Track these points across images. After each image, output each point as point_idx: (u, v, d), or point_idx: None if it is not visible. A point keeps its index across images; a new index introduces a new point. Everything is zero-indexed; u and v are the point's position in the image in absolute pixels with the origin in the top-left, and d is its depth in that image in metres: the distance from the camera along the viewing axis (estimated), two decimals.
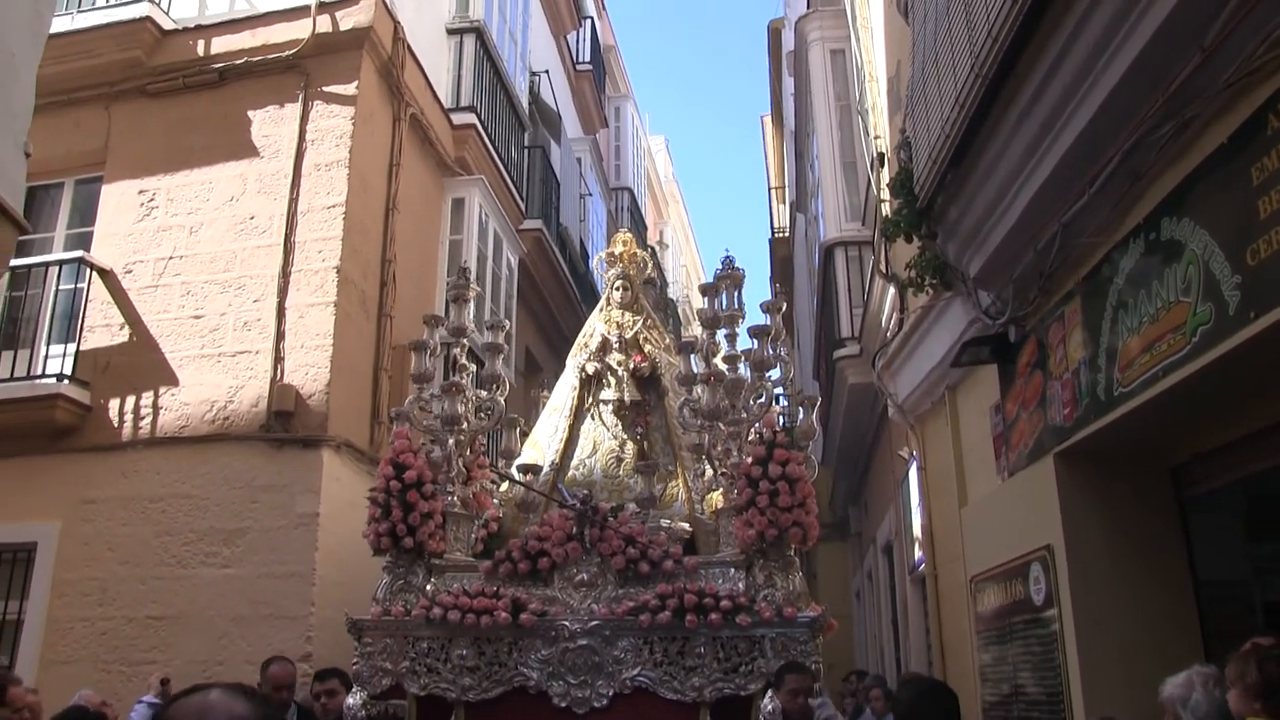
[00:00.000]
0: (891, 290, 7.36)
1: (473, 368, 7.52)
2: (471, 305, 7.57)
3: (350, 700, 5.70)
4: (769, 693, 5.37)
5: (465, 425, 6.99)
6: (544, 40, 16.98)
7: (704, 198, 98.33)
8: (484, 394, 7.26)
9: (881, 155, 7.02)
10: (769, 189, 27.12)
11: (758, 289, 50.85)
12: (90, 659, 7.84)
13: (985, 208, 4.93)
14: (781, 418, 6.83)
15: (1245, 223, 3.33)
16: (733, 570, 6.10)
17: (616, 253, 8.25)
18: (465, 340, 7.40)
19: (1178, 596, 4.67)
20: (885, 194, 6.40)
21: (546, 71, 16.09)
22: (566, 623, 5.96)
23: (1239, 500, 4.75)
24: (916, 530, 8.12)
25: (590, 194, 17.98)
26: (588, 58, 20.01)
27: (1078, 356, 4.65)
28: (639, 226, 22.37)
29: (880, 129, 8.16)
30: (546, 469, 7.37)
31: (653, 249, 24.43)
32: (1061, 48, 3.91)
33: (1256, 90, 3.32)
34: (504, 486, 7.52)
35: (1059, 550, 4.80)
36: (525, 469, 6.94)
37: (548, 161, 15.15)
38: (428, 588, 6.36)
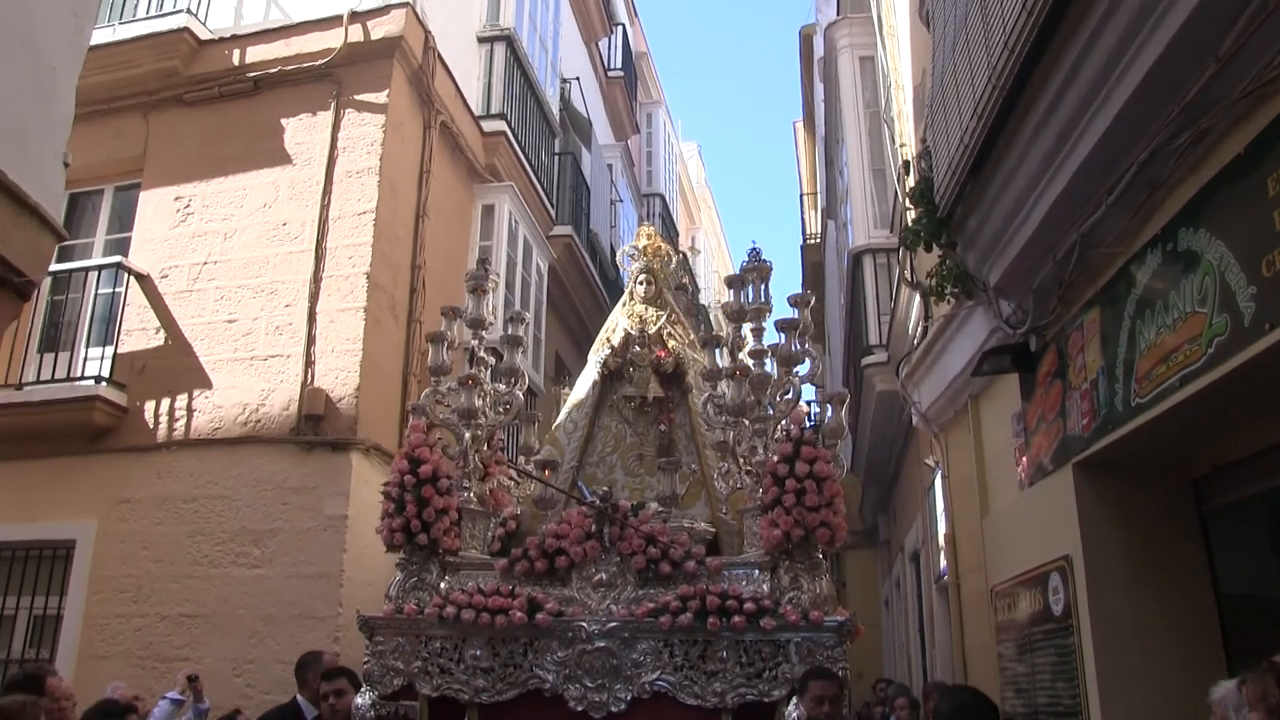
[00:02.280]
0: (917, 298, 7.37)
1: (492, 361, 7.36)
2: (490, 296, 7.43)
3: (359, 700, 5.53)
4: (793, 700, 5.14)
5: (483, 419, 6.86)
6: (575, 47, 17.09)
7: (737, 204, 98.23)
8: (502, 388, 7.11)
9: (907, 163, 7.02)
10: (801, 195, 27.11)
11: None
12: (125, 654, 8.03)
13: (1004, 217, 4.95)
14: (810, 415, 6.69)
15: (1261, 234, 3.34)
16: (757, 572, 5.93)
17: (640, 247, 8.09)
18: (484, 333, 7.25)
19: (1199, 609, 4.66)
20: (908, 202, 6.42)
21: (577, 78, 16.19)
22: (584, 624, 5.81)
23: (1264, 513, 4.71)
24: (941, 539, 8.11)
25: (621, 200, 18.06)
26: (619, 64, 20.11)
27: (1096, 366, 4.66)
28: (670, 232, 22.43)
29: (906, 137, 8.18)
30: (566, 466, 7.23)
31: (684, 255, 24.50)
32: (1076, 58, 3.93)
33: (1272, 101, 3.33)
34: (522, 483, 7.40)
35: (1077, 560, 4.80)
36: (543, 465, 6.75)
37: (578, 168, 15.24)
38: (442, 585, 6.22)
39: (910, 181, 6.12)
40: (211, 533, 8.25)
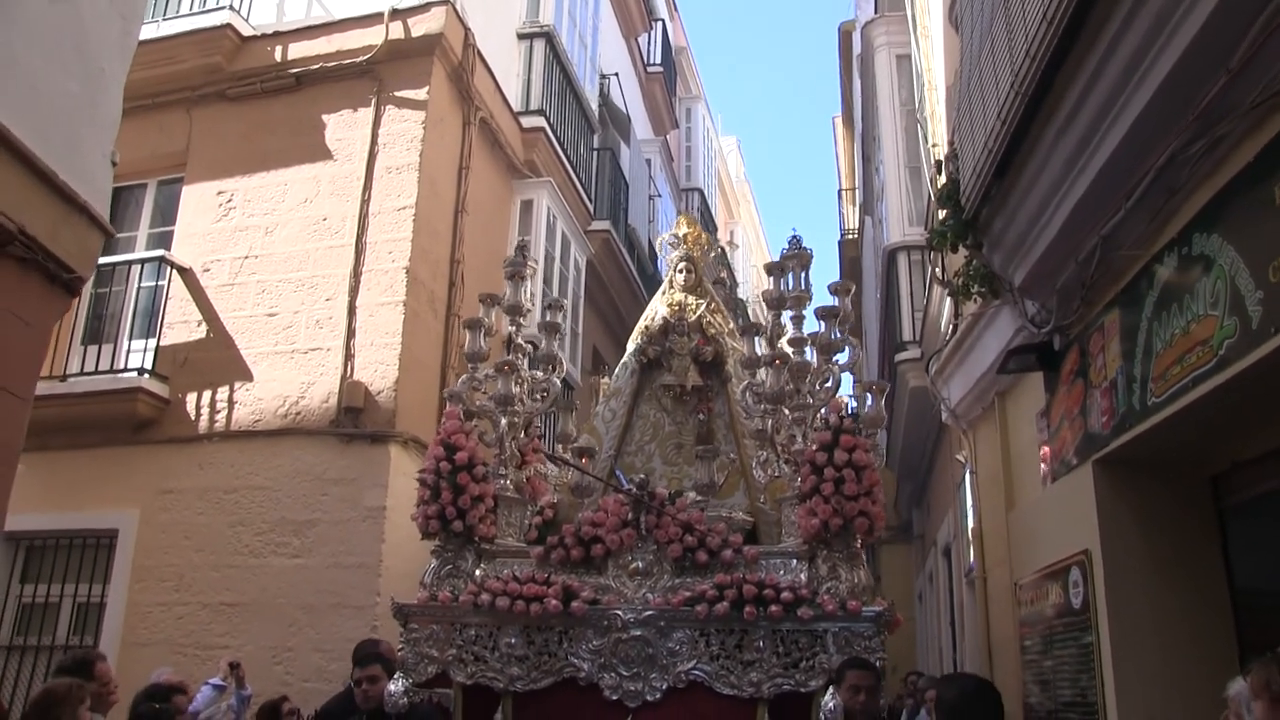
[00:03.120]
0: (948, 296, 7.43)
1: (530, 349, 7.33)
2: (528, 284, 7.38)
3: (392, 687, 5.44)
4: (830, 689, 5.07)
5: (520, 407, 6.82)
6: (615, 42, 17.20)
7: (775, 198, 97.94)
8: (540, 375, 7.08)
9: (939, 163, 7.08)
10: (839, 190, 27.09)
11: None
12: (167, 642, 8.23)
13: (1028, 219, 5.01)
14: (850, 403, 6.52)
15: (1268, 240, 3.40)
16: (795, 561, 5.88)
17: (680, 235, 7.99)
18: (521, 320, 7.25)
19: (1214, 604, 4.71)
20: (936, 203, 6.49)
21: (616, 74, 16.29)
22: (620, 612, 5.75)
23: None
24: (969, 533, 8.17)
25: (659, 195, 18.15)
26: (659, 60, 20.20)
27: (1116, 366, 4.72)
28: (709, 227, 22.46)
29: (938, 137, 8.23)
30: (604, 454, 7.14)
31: (723, 249, 24.59)
32: (1095, 67, 3.99)
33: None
34: (558, 471, 7.32)
35: (1096, 555, 4.87)
36: (581, 452, 6.65)
37: (617, 163, 15.35)
38: (477, 573, 6.18)
39: (940, 182, 6.17)
40: (252, 523, 8.45)
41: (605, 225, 13.95)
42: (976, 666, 7.67)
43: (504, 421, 6.67)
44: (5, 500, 4.40)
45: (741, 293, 26.36)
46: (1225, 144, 3.73)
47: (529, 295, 7.44)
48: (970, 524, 7.87)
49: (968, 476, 7.90)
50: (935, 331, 8.83)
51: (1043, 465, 5.89)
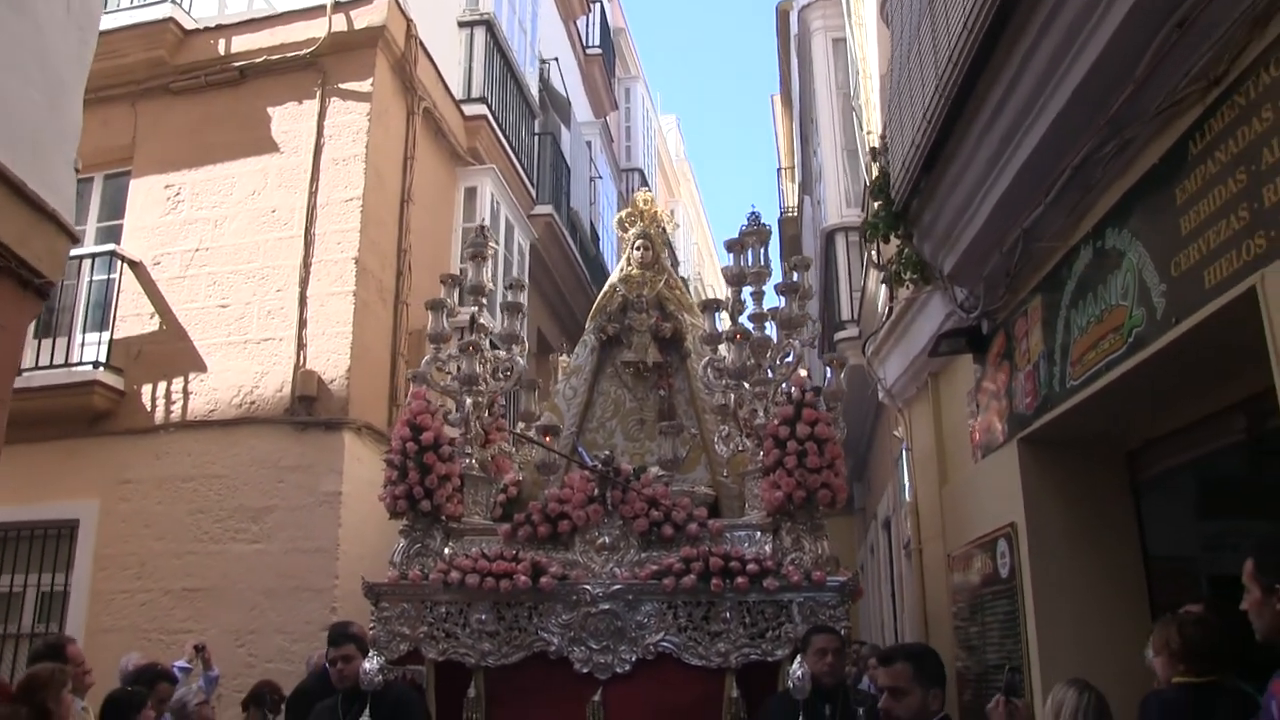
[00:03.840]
0: (882, 283, 7.74)
1: (491, 327, 7.33)
2: (489, 264, 7.33)
3: (367, 665, 5.41)
4: (797, 658, 5.05)
5: (484, 386, 6.86)
6: (554, 26, 17.34)
7: (716, 176, 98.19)
8: (502, 354, 7.12)
9: (873, 150, 7.37)
10: (778, 169, 27.38)
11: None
12: (131, 628, 8.39)
13: (955, 212, 5.32)
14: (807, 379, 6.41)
15: (1171, 237, 3.72)
16: (759, 534, 5.94)
17: (637, 211, 7.92)
18: (483, 299, 7.28)
19: (1129, 571, 5.08)
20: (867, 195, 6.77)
21: (556, 59, 16.45)
22: (588, 587, 5.82)
23: (1191, 482, 5.14)
24: (906, 508, 8.53)
25: (600, 177, 18.34)
26: (597, 42, 20.35)
27: (1038, 350, 5.05)
28: None
29: (873, 124, 8.52)
30: (566, 432, 7.17)
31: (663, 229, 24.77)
32: (1014, 74, 4.28)
33: (1182, 118, 3.70)
34: (523, 449, 7.37)
35: (1020, 528, 5.21)
36: (544, 430, 6.66)
37: (558, 147, 15.51)
38: (445, 551, 6.22)
39: (875, 170, 6.47)
40: (211, 510, 8.62)
41: (548, 209, 14.11)
42: (915, 634, 8.03)
43: (469, 401, 6.72)
44: None
45: (683, 271, 26.65)
46: (1134, 146, 4.04)
47: (488, 276, 7.55)
48: (907, 498, 8.21)
49: (904, 453, 8.24)
50: (873, 312, 9.15)
51: (972, 443, 6.23)
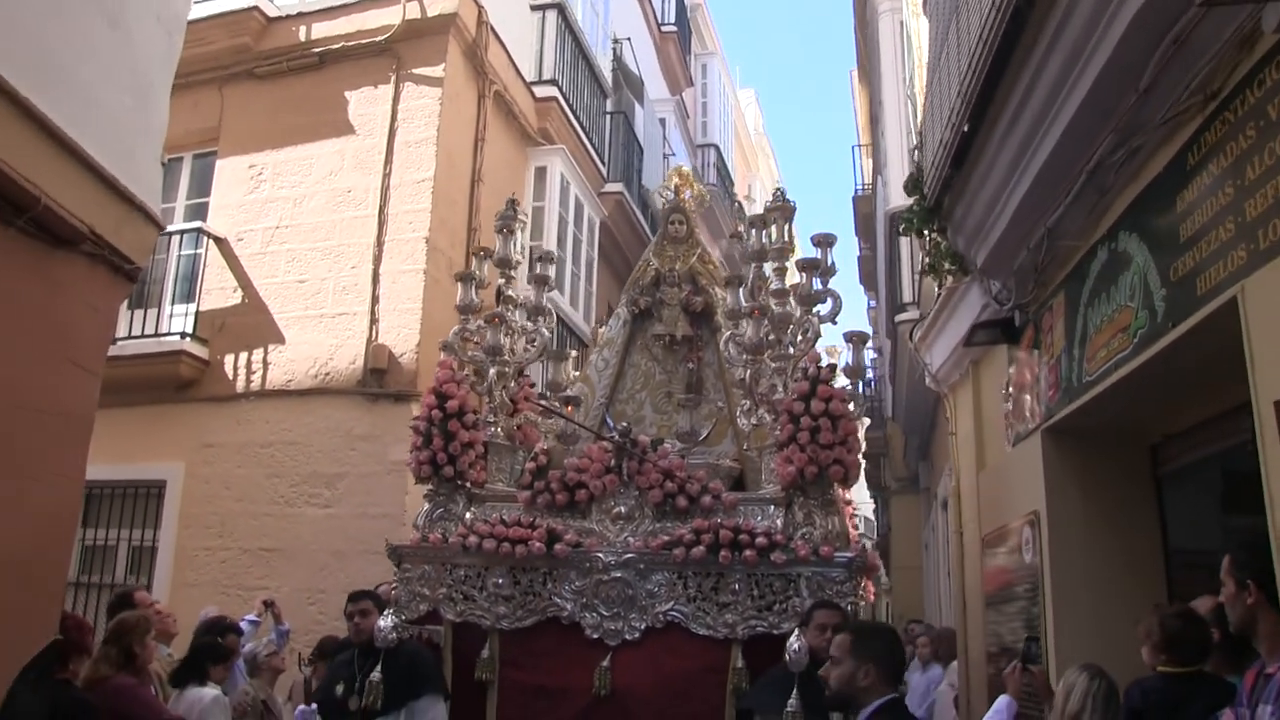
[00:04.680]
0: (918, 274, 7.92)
1: (521, 298, 7.33)
2: (519, 236, 7.37)
3: (381, 622, 5.53)
4: (795, 632, 5.06)
5: (510, 357, 6.89)
6: (629, 5, 17.55)
7: (796, 149, 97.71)
8: (530, 325, 7.14)
9: (914, 150, 7.53)
10: (856, 145, 27.32)
11: (845, 245, 50.90)
12: (212, 583, 8.95)
13: (983, 208, 5.52)
14: (829, 356, 6.32)
15: (1171, 243, 3.92)
16: (772, 507, 5.93)
17: (672, 188, 7.93)
18: (512, 272, 7.28)
19: (1148, 561, 5.27)
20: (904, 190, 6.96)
21: (629, 38, 16.67)
22: (601, 555, 5.87)
23: (1216, 477, 5.28)
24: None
25: (673, 154, 18.56)
26: (673, 19, 20.52)
27: (1060, 344, 5.26)
28: (725, 181, 22.89)
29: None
30: (596, 403, 7.24)
31: (740, 204, 24.91)
32: (1029, 82, 4.48)
33: (1184, 129, 3.89)
34: (550, 419, 7.30)
35: (1042, 515, 5.43)
36: (566, 401, 6.80)
37: (630, 126, 15.77)
38: (467, 516, 6.28)
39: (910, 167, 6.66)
40: (286, 475, 9.12)
41: (618, 187, 14.38)
42: (954, 614, 8.25)
43: (493, 371, 6.77)
44: (84, 459, 5.05)
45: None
46: (1143, 153, 4.24)
47: (519, 249, 7.45)
48: (951, 481, 8.42)
49: (950, 437, 8.44)
50: (931, 295, 9.33)
51: (1006, 430, 6.44)
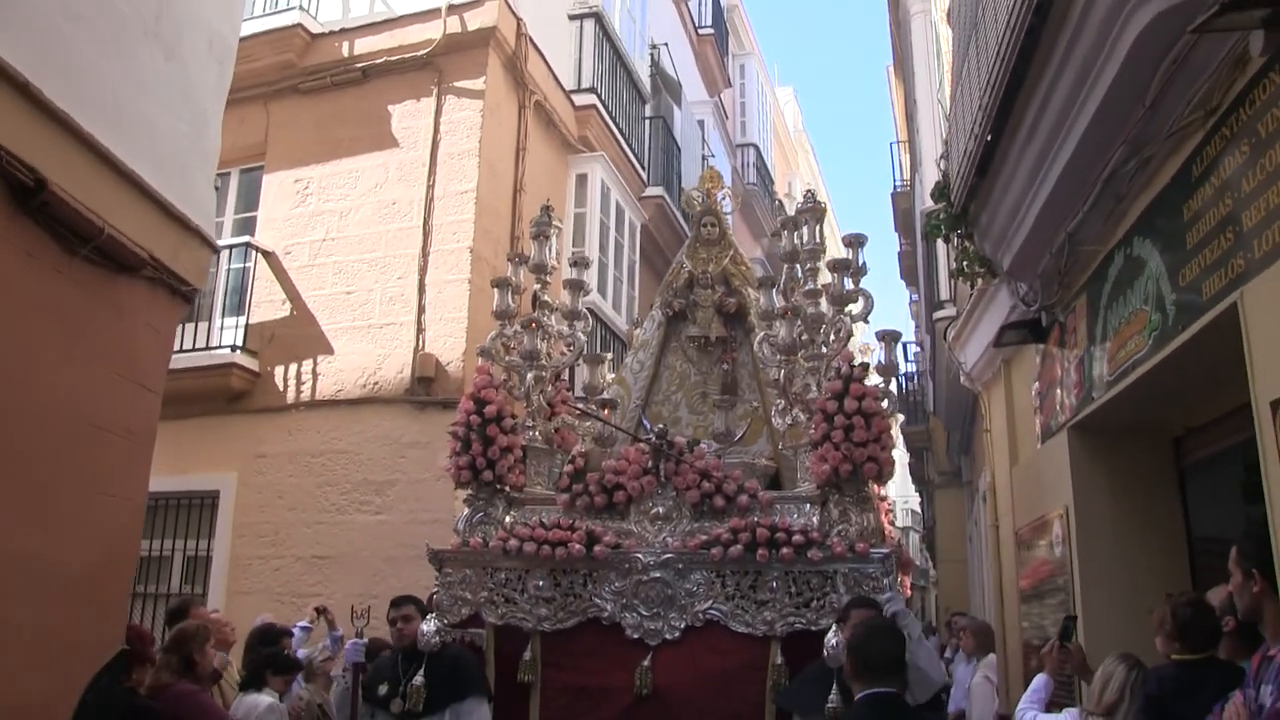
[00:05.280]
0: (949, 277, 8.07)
1: (557, 304, 7.38)
2: (554, 241, 7.42)
3: (424, 627, 5.64)
4: (834, 628, 5.12)
5: (547, 361, 6.92)
6: (665, 10, 17.73)
7: (837, 145, 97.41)
8: (566, 330, 7.19)
9: (941, 158, 7.65)
10: (894, 142, 27.32)
11: (885, 241, 50.74)
12: (266, 591, 9.21)
13: (1007, 215, 5.67)
14: (877, 349, 6.48)
15: (1180, 250, 4.08)
16: (808, 505, 5.98)
17: (703, 190, 7.93)
18: (547, 277, 7.28)
19: (1172, 551, 5.42)
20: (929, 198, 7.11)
21: (666, 44, 16.84)
22: (640, 555, 5.91)
23: (1236, 467, 5.41)
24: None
25: (712, 155, 18.71)
26: (709, 22, 20.65)
27: (1084, 344, 5.41)
28: (765, 180, 23.02)
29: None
30: (632, 405, 7.29)
31: (780, 202, 24.95)
32: (1044, 96, 4.64)
33: (1188, 142, 4.04)
34: (585, 422, 7.33)
35: (1071, 510, 5.58)
36: (603, 404, 6.85)
37: (669, 130, 15.95)
38: (507, 520, 6.32)
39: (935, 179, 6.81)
40: (337, 483, 9.38)
41: (659, 191, 14.59)
42: (991, 607, 8.38)
43: (530, 376, 6.81)
44: (147, 475, 5.34)
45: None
46: (1153, 164, 4.39)
47: (555, 254, 7.49)
48: (988, 477, 8.56)
49: (985, 434, 8.58)
50: (965, 295, 9.47)
51: (1037, 427, 6.58)
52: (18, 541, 4.26)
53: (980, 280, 6.86)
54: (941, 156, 6.80)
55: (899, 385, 20.47)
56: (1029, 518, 6.65)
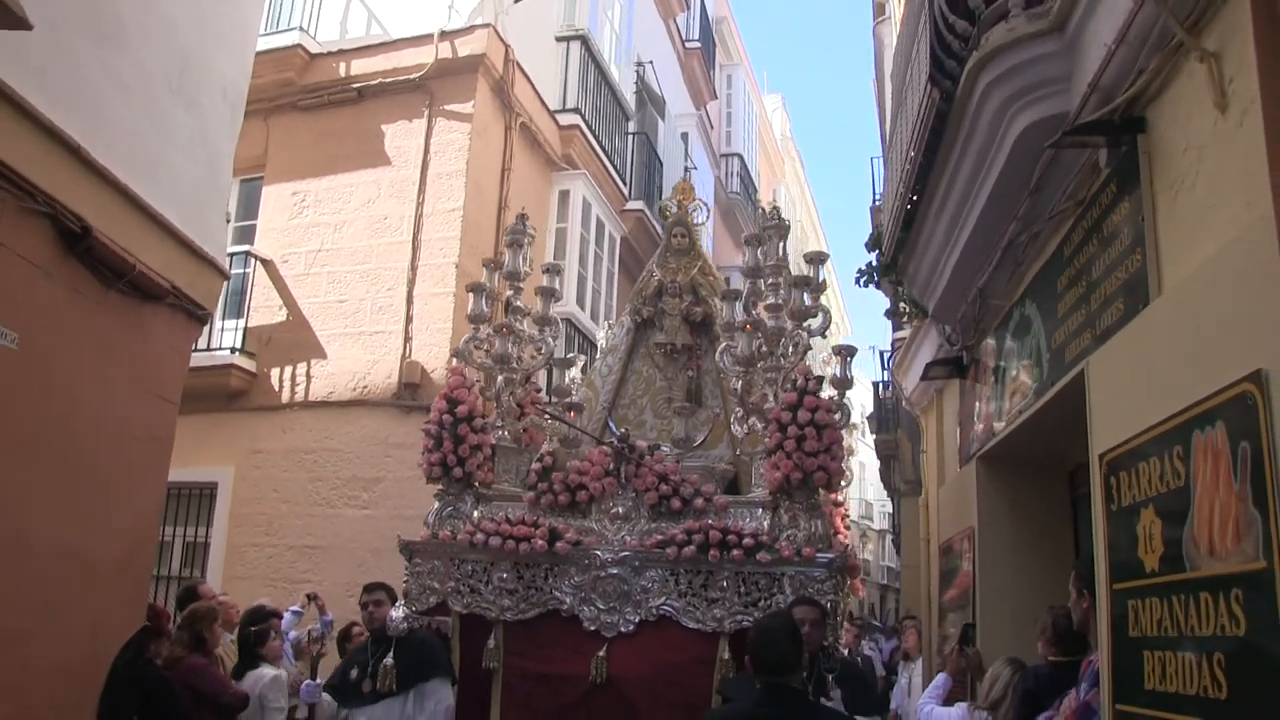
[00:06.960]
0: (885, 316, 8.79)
1: (529, 310, 7.50)
2: (527, 250, 7.59)
3: (393, 613, 5.99)
4: None
5: (517, 364, 7.11)
6: (653, 25, 18.27)
7: (825, 153, 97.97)
8: (537, 335, 7.34)
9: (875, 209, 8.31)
10: (875, 157, 27.95)
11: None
12: (260, 577, 9.87)
13: (929, 267, 6.40)
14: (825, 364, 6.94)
15: (1054, 317, 4.81)
16: (760, 510, 6.19)
17: (675, 201, 8.15)
18: (520, 284, 7.42)
19: (1062, 569, 6.13)
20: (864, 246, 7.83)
21: (652, 61, 17.44)
22: (599, 552, 6.12)
23: None
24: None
25: (695, 168, 19.30)
26: (697, 35, 21.18)
27: (991, 384, 6.14)
28: (749, 189, 23.62)
29: None
30: (599, 408, 7.51)
31: (763, 210, 25.44)
32: (950, 174, 5.39)
33: (1064, 225, 4.77)
34: (554, 423, 7.49)
35: (975, 530, 6.32)
36: (569, 407, 7.03)
37: (651, 146, 16.53)
38: (475, 515, 6.52)
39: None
40: (328, 479, 10.06)
41: (639, 205, 15.13)
42: (922, 612, 9.11)
43: (500, 378, 7.00)
44: (166, 475, 6.05)
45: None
46: (1040, 238, 5.12)
47: (528, 262, 7.57)
48: (922, 494, 9.32)
49: (921, 455, 9.33)
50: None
51: (957, 454, 7.32)
52: (64, 537, 4.99)
53: (913, 319, 7.59)
54: (873, 207, 7.52)
55: (874, 394, 21.13)
56: (949, 533, 7.40)
